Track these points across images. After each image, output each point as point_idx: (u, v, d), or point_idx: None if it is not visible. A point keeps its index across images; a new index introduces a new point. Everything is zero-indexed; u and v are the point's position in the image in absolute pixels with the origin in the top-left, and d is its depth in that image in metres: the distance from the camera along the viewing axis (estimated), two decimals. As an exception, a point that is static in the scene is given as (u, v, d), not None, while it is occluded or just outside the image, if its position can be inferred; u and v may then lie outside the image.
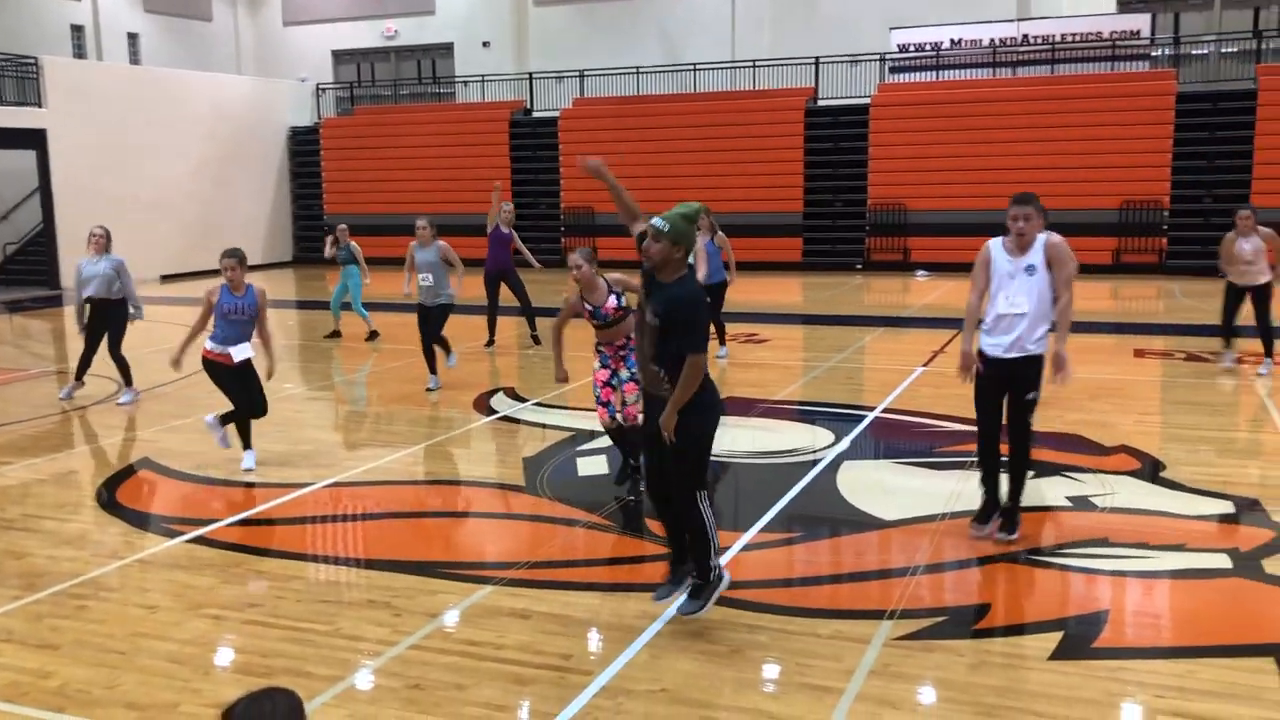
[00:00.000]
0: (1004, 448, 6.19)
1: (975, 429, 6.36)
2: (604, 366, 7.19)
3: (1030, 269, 5.87)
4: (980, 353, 6.12)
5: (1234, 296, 11.04)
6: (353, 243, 14.44)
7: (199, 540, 6.45)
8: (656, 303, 4.78)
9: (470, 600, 5.46)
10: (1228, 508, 6.76)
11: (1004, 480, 6.22)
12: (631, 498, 7.13)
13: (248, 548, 6.34)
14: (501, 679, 4.57)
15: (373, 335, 14.27)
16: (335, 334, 14.57)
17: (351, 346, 14.02)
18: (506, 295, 13.43)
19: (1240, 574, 5.66)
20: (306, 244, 29.45)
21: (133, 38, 29.50)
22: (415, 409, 10.19)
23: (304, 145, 29.63)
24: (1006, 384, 6.05)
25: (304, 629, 5.13)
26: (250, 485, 7.64)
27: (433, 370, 10.89)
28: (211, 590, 5.65)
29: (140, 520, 7.00)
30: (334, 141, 28.95)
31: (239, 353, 7.87)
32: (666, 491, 5.00)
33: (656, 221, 4.76)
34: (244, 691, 2.32)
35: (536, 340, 13.52)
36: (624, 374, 7.13)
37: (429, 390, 10.75)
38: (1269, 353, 10.96)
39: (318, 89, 30.63)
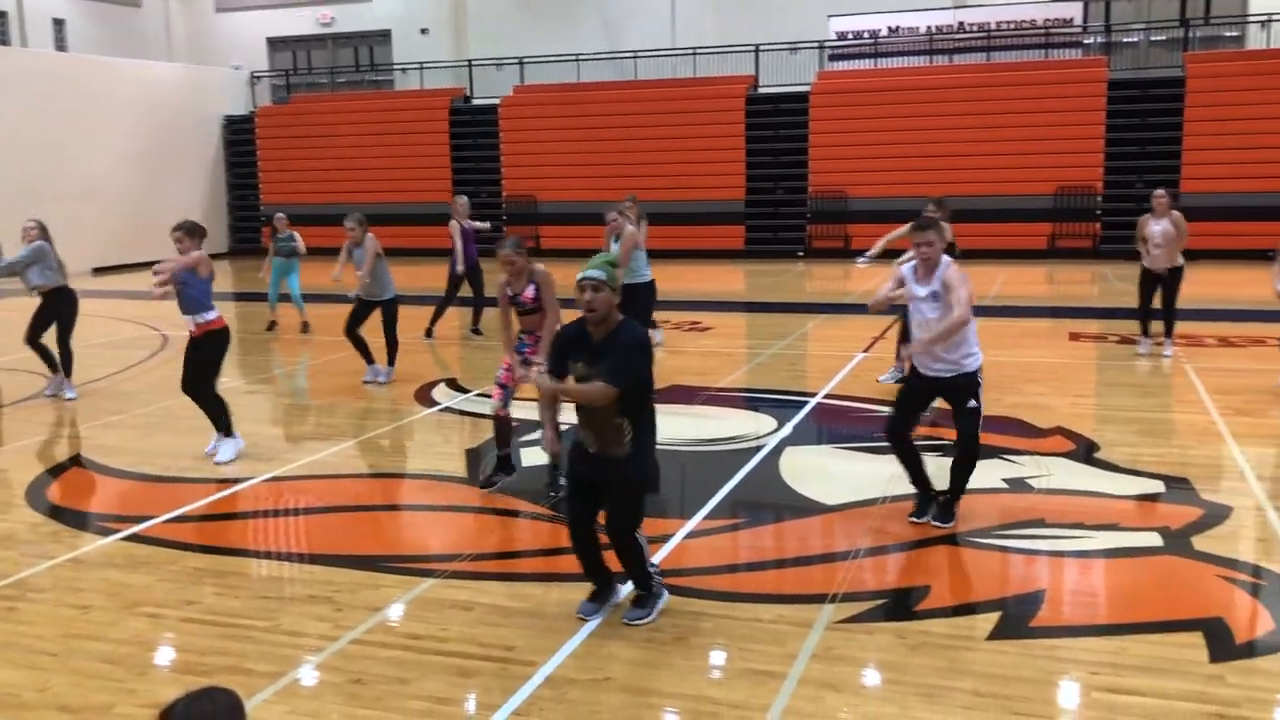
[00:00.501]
0: (953, 434, 6.30)
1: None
2: (518, 352, 7.09)
3: (935, 295, 6.06)
4: (914, 369, 6.32)
5: (1148, 282, 11.29)
6: (294, 233, 14.27)
7: (134, 538, 6.33)
8: (606, 357, 4.70)
9: (412, 593, 5.43)
10: (1159, 487, 6.92)
11: (924, 464, 6.36)
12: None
13: (185, 544, 6.23)
14: (445, 671, 4.55)
15: (304, 327, 14.12)
16: (273, 325, 14.39)
17: (290, 338, 13.84)
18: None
19: (1171, 551, 5.80)
20: (242, 235, 29.02)
21: (59, 24, 28.76)
22: (356, 401, 10.08)
23: (239, 134, 29.15)
24: (938, 395, 6.31)
25: (244, 626, 5.06)
26: (187, 481, 7.51)
27: (369, 360, 10.74)
28: (147, 588, 5.55)
29: (73, 518, 6.85)
30: (270, 130, 28.52)
31: (189, 324, 7.82)
32: (590, 530, 4.96)
33: (593, 273, 4.68)
34: (182, 691, 2.28)
35: (478, 332, 13.48)
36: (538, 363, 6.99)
37: (365, 382, 10.62)
38: (1169, 334, 11.29)
39: (252, 77, 30.14)
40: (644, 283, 10.89)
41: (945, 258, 6.11)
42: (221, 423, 7.96)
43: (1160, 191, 11.18)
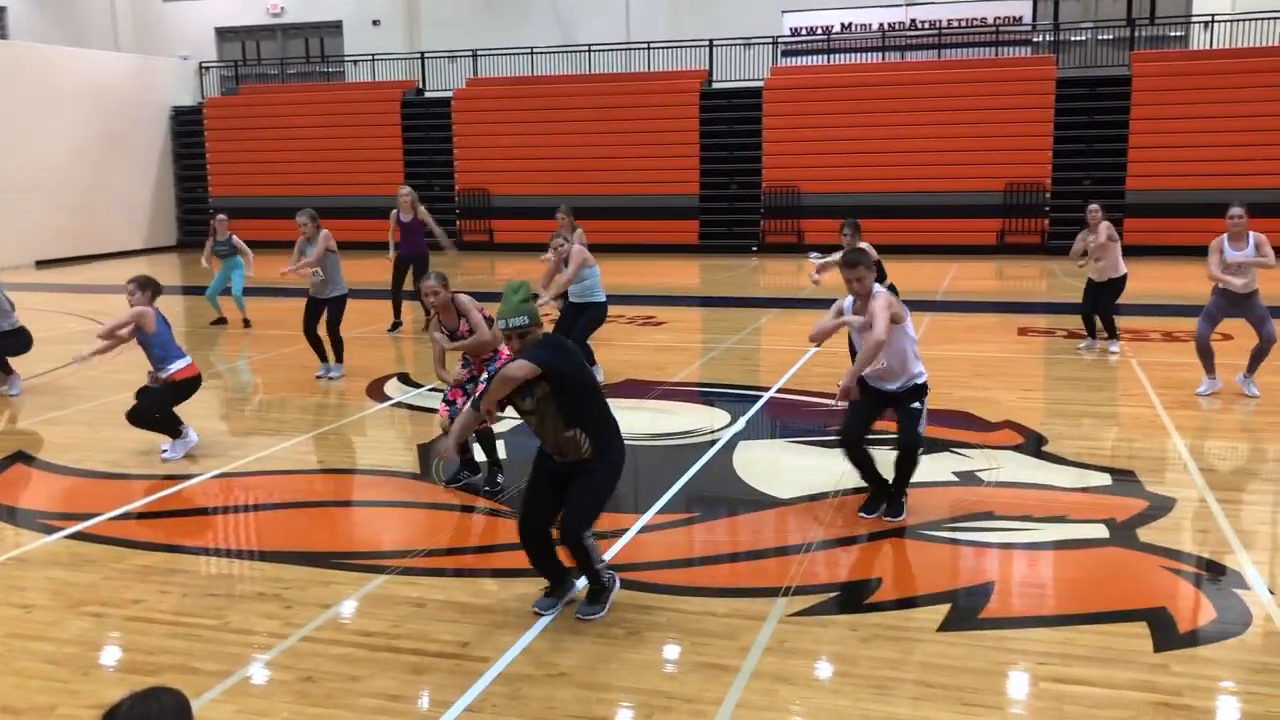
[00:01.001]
0: (892, 426, 6.36)
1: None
2: (464, 367, 7.14)
3: (870, 325, 6.12)
4: (863, 381, 6.33)
5: (1089, 290, 11.49)
6: (233, 235, 14.16)
7: (79, 536, 6.21)
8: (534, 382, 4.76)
9: (364, 590, 5.38)
10: (1105, 479, 7.03)
11: (886, 461, 6.40)
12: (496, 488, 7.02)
13: (132, 542, 6.14)
14: (397, 669, 4.51)
15: (245, 324, 14.00)
16: (220, 320, 14.23)
17: (239, 334, 13.67)
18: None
19: (1116, 543, 5.89)
20: (191, 228, 28.59)
21: (0, 11, 28.15)
22: (306, 396, 9.98)
23: (187, 126, 28.71)
24: (887, 406, 6.38)
25: (191, 624, 4.99)
26: (132, 477, 7.38)
27: (323, 357, 10.69)
28: (92, 587, 5.45)
29: (14, 517, 6.71)
30: (218, 122, 28.12)
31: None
32: (540, 528, 4.98)
33: (515, 321, 4.72)
34: (127, 692, 2.25)
35: (397, 325, 13.32)
36: (484, 377, 7.02)
37: (318, 378, 10.55)
38: (1113, 335, 11.45)
39: (201, 67, 29.69)
40: (597, 303, 10.15)
41: (876, 286, 6.22)
42: (172, 430, 7.83)
43: (1093, 206, 11.32)
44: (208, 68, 29.84)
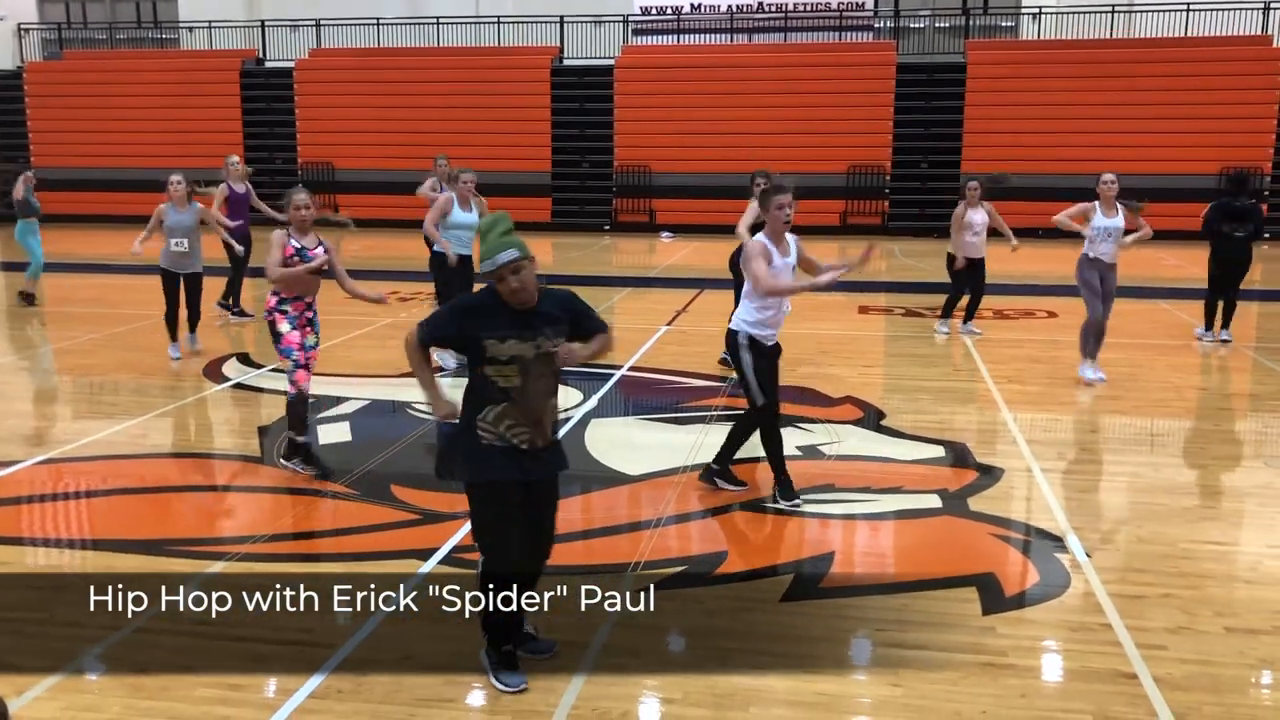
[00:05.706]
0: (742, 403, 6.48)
1: (715, 386, 6.59)
2: (294, 329, 6.67)
3: (793, 268, 6.13)
4: (756, 342, 6.18)
5: (976, 271, 11.27)
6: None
7: (-115, 529, 5.82)
8: (547, 324, 4.04)
9: (202, 578, 5.19)
10: (939, 451, 7.33)
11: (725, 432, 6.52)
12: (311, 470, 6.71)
13: (-55, 535, 5.77)
14: (236, 658, 4.38)
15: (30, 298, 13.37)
16: (27, 296, 13.45)
17: (65, 311, 12.98)
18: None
19: (949, 512, 6.16)
20: (10, 200, 26.96)
21: None
22: (141, 377, 9.55)
23: (5, 92, 27.01)
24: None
25: (12, 619, 4.71)
26: (-53, 466, 6.94)
27: (175, 337, 10.19)
28: (-99, 584, 5.11)
29: None
30: (41, 89, 26.54)
31: None
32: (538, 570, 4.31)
33: (504, 257, 3.93)
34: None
35: (226, 308, 12.58)
36: (310, 340, 6.72)
37: (176, 359, 10.09)
38: (974, 314, 11.59)
39: (19, 29, 27.93)
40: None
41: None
42: None
43: (974, 183, 11.34)
44: (27, 30, 28.09)
